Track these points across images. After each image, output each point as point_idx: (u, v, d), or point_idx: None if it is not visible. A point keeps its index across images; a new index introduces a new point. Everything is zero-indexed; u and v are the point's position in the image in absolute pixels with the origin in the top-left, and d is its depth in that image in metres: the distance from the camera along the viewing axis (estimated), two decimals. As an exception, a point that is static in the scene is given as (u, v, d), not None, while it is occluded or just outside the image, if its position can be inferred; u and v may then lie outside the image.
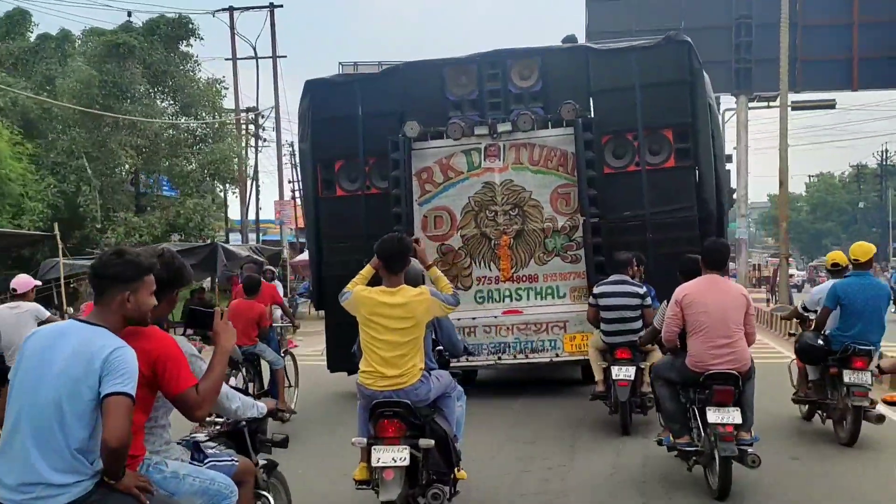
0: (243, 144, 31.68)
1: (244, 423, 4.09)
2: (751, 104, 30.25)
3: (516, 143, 10.09)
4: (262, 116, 32.86)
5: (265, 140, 35.77)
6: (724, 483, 5.79)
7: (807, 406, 8.34)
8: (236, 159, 28.82)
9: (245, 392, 5.30)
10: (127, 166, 26.61)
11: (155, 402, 3.38)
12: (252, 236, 34.39)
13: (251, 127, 33.32)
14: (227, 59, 31.53)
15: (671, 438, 6.33)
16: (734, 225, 32.61)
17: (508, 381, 11.72)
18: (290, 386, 9.86)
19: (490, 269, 10.22)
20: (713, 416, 5.82)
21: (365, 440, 5.10)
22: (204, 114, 28.59)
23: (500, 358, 10.09)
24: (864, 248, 7.72)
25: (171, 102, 28.62)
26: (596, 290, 8.33)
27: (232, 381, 9.07)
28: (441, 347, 5.85)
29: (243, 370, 9.25)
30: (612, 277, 8.32)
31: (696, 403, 6.16)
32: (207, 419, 4.07)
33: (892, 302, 7.98)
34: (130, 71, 25.49)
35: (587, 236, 9.79)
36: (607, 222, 9.89)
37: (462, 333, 10.09)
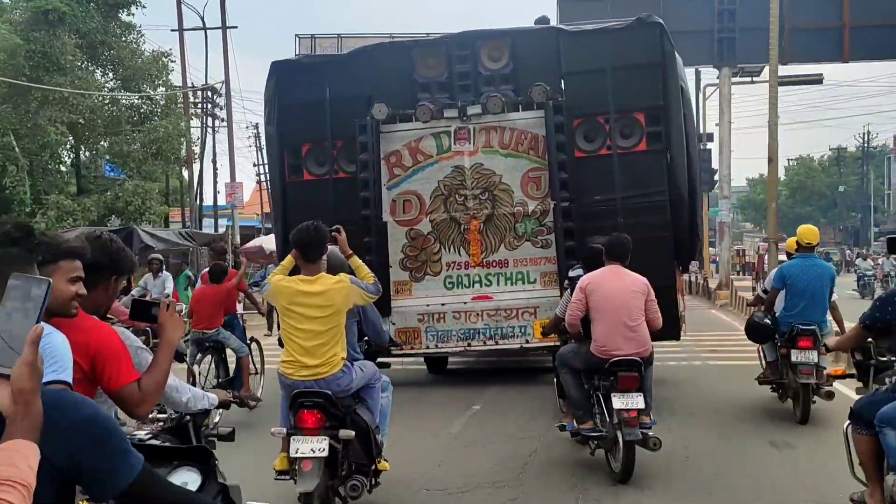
0: (195, 123, 30.85)
1: (189, 417, 3.91)
2: (733, 79, 28.51)
3: (486, 125, 10.24)
4: (218, 94, 31.84)
5: (223, 120, 34.45)
6: (628, 466, 6.19)
7: (770, 386, 8.88)
8: (182, 138, 27.47)
9: (220, 377, 5.25)
10: (65, 146, 25.22)
11: (95, 398, 3.23)
12: (210, 222, 33.09)
13: (207, 105, 32.48)
14: (172, 30, 30.09)
15: (574, 424, 6.65)
16: (715, 210, 31.85)
17: (480, 370, 11.68)
18: (255, 373, 9.85)
19: (460, 255, 10.39)
20: (618, 401, 6.17)
21: (285, 430, 5.15)
22: (148, 89, 27.07)
23: (469, 344, 10.15)
24: (812, 232, 8.45)
25: (112, 77, 27.03)
26: (571, 273, 8.46)
27: (196, 368, 8.98)
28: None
29: (211, 357, 9.17)
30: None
31: (601, 390, 6.51)
32: (150, 415, 3.82)
33: (833, 283, 8.57)
34: (62, 40, 23.55)
35: (558, 221, 9.98)
36: (578, 207, 10.05)
37: (431, 319, 10.13)
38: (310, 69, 10.98)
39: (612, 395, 6.25)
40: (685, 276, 29.45)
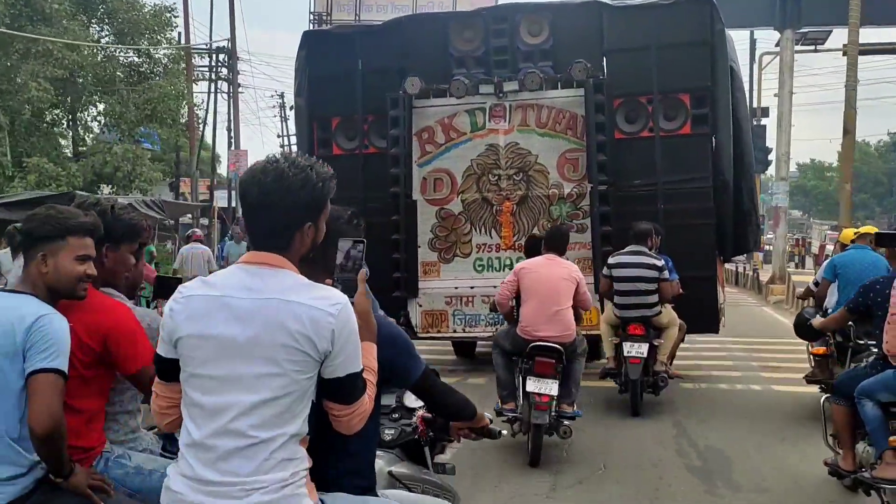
0: (202, 88, 30.08)
1: None
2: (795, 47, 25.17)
3: (523, 103, 10.29)
4: (232, 57, 30.74)
5: (239, 85, 33.52)
6: (534, 451, 6.63)
7: (819, 386, 8.50)
8: (183, 100, 26.15)
9: None
10: (56, 105, 23.96)
11: (116, 383, 3.11)
12: (223, 193, 32.00)
13: (218, 68, 31.44)
14: None
15: (500, 404, 7.13)
16: (765, 197, 29.73)
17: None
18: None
19: (491, 237, 10.47)
20: (531, 385, 6.68)
21: None
22: (146, 44, 25.68)
23: (497, 329, 9.86)
24: (865, 228, 8.54)
25: (106, 32, 25.60)
26: (611, 259, 8.57)
27: None
28: None
29: None
30: (629, 248, 8.52)
31: (522, 372, 7.02)
32: None
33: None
34: (46, -14, 22.17)
35: (594, 205, 10.03)
36: (616, 190, 10.10)
37: (460, 303, 10.06)
38: (341, 40, 11.02)
39: (527, 377, 6.74)
40: (734, 266, 28.57)
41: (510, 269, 10.27)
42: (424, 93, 10.30)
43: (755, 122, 26.84)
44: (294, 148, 41.63)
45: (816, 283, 8.50)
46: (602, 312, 9.85)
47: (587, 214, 10.10)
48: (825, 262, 8.83)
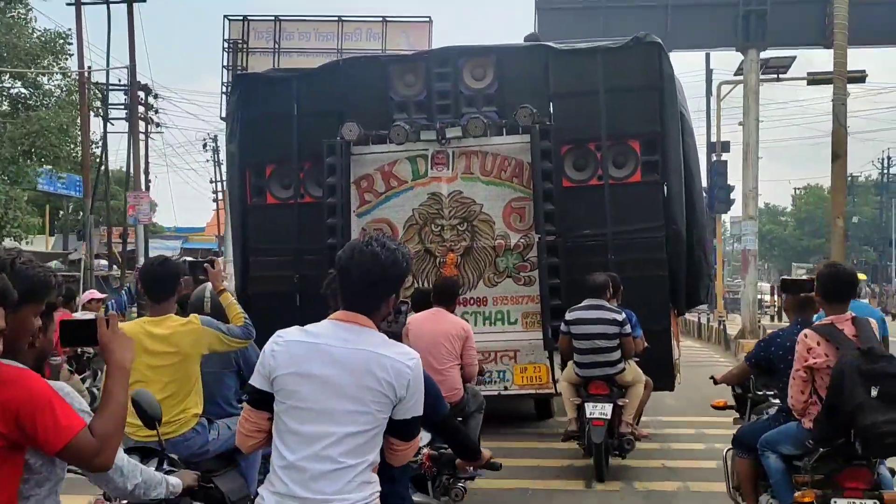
0: (119, 126, 29.72)
1: None
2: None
3: (467, 150, 10.28)
4: (145, 91, 30.63)
5: (157, 125, 33.52)
6: None
7: None
8: (66, 135, 24.20)
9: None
10: None
11: (29, 473, 2.69)
12: (159, 244, 32.11)
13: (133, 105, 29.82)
14: (69, 4, 27.03)
15: None
16: (725, 240, 29.68)
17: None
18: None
19: None
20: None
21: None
22: (39, 76, 24.10)
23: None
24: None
25: None
26: (568, 315, 8.49)
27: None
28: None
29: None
30: (587, 302, 8.43)
31: None
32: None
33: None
34: None
35: (542, 256, 9.97)
36: (565, 241, 10.08)
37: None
38: (276, 83, 11.08)
39: None
40: (695, 317, 27.96)
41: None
42: (363, 139, 10.29)
43: (715, 158, 26.41)
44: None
45: None
46: (552, 370, 9.54)
47: (535, 266, 10.04)
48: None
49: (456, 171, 10.19)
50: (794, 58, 23.63)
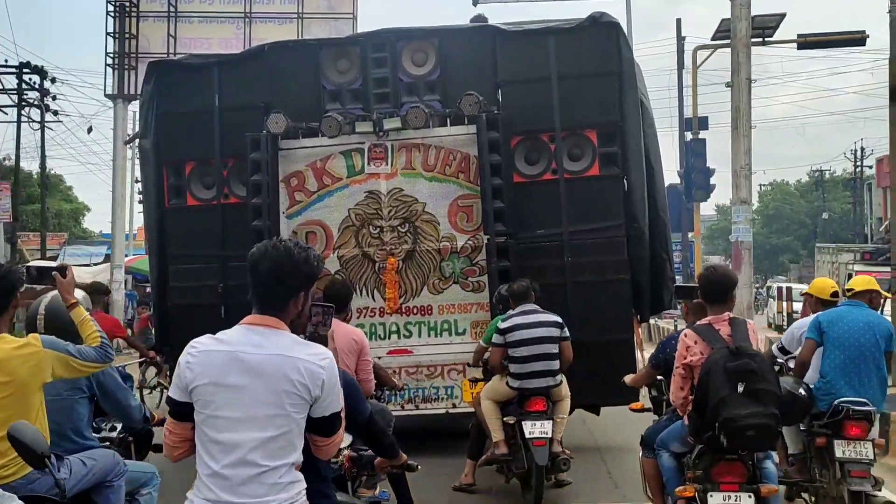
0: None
1: None
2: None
3: (407, 143, 9.72)
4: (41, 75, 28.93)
5: (55, 112, 31.38)
6: None
7: (793, 487, 7.27)
8: None
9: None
10: None
11: None
12: (87, 249, 31.03)
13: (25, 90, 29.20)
14: None
15: None
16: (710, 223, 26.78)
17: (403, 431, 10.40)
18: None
19: (373, 299, 9.76)
20: None
21: None
22: None
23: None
24: (867, 281, 7.11)
25: None
26: (503, 325, 7.75)
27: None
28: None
29: None
30: (521, 308, 7.82)
31: None
32: None
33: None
34: None
35: (492, 259, 9.38)
36: (517, 242, 9.50)
37: (339, 378, 8.91)
38: (196, 71, 10.49)
39: None
40: (672, 324, 27.07)
41: (397, 336, 9.55)
42: (292, 132, 9.68)
43: (691, 136, 24.77)
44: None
45: (782, 349, 7.38)
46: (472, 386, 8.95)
47: (484, 271, 9.47)
48: (805, 320, 7.40)
49: (395, 167, 9.65)
50: (783, 16, 20.41)
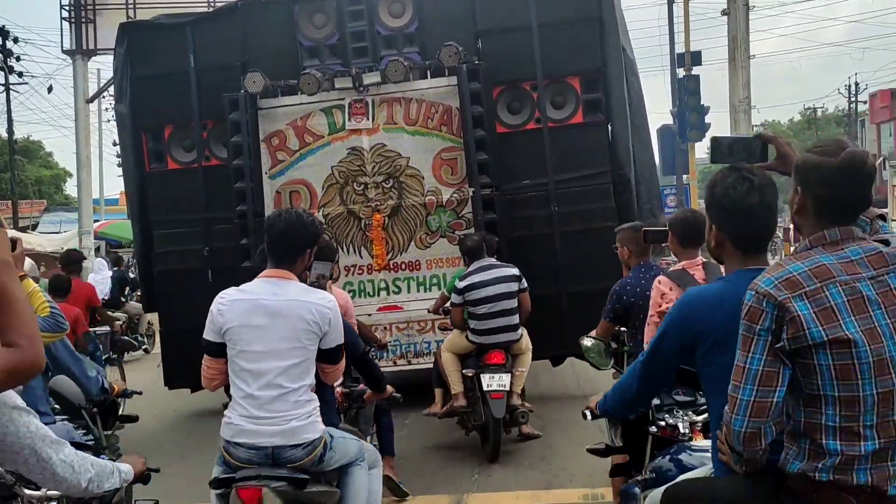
0: None
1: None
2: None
3: (388, 97, 9.68)
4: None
5: (20, 74, 30.71)
6: None
7: None
8: None
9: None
10: None
11: None
12: (56, 217, 30.65)
13: None
14: None
15: None
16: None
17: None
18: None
19: (361, 256, 9.78)
20: None
21: None
22: None
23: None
24: None
25: None
26: (460, 283, 7.89)
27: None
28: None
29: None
30: (477, 264, 7.93)
31: None
32: (37, 493, 3.64)
33: None
34: None
35: (478, 212, 9.36)
36: (503, 194, 9.51)
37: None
38: (169, 32, 10.46)
39: None
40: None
41: (386, 292, 9.58)
42: (270, 91, 9.62)
43: (684, 73, 23.55)
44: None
45: None
46: None
47: (471, 224, 9.43)
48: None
49: (377, 122, 9.58)
50: None
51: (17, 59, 30.82)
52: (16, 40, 30.37)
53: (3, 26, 29.88)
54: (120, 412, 5.51)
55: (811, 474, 2.51)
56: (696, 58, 23.92)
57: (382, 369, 9.38)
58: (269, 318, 3.95)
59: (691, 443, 3.95)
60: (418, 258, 9.60)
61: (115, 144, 41.45)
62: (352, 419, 5.59)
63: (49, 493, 3.62)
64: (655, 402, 4.28)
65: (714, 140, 3.20)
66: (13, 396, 2.71)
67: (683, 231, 5.24)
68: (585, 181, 9.45)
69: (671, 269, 5.47)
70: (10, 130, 31.95)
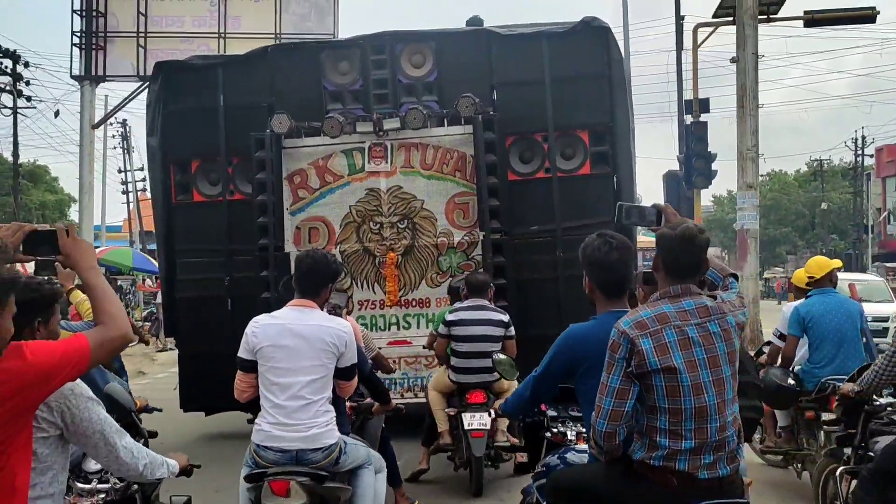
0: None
1: (136, 486, 4.57)
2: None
3: (406, 142, 10.16)
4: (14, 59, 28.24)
5: (29, 98, 30.60)
6: None
7: (781, 457, 8.11)
8: None
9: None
10: None
11: (35, 462, 2.98)
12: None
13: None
14: None
15: None
16: (729, 214, 22.66)
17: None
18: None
19: (374, 292, 10.26)
20: None
21: None
22: None
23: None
24: (824, 262, 7.79)
25: None
26: (450, 316, 8.19)
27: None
28: None
29: None
30: (469, 302, 8.20)
31: None
32: (88, 486, 4.42)
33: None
34: None
35: (488, 255, 9.88)
36: (512, 238, 10.04)
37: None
38: (201, 71, 10.93)
39: None
40: None
41: (397, 327, 10.07)
42: (295, 131, 10.13)
43: (692, 119, 23.14)
44: (140, 184, 39.68)
45: (781, 335, 7.86)
46: None
47: (480, 265, 9.91)
48: (788, 314, 7.86)
49: (395, 165, 10.08)
50: None
51: (27, 83, 31.01)
52: (26, 65, 30.65)
53: (15, 51, 30.17)
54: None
55: (648, 461, 3.56)
56: (704, 105, 23.88)
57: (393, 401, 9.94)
58: (296, 340, 4.71)
59: (576, 446, 4.80)
60: (428, 296, 10.06)
61: (119, 171, 41.83)
62: (357, 430, 6.15)
63: (98, 486, 4.41)
64: (552, 413, 5.22)
65: (618, 205, 4.22)
66: (87, 389, 3.19)
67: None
68: (591, 229, 9.65)
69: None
70: (15, 154, 32.25)
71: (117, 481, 4.46)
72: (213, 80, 10.59)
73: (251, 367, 4.77)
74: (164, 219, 10.90)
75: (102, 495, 4.15)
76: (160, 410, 6.21)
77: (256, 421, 4.80)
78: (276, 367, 4.71)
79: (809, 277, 7.68)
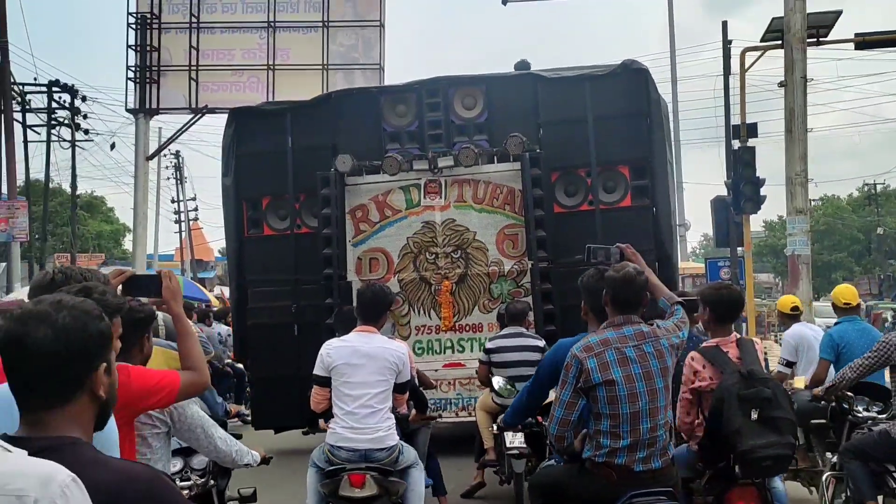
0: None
1: (213, 482, 5.32)
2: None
3: (459, 178, 10.85)
4: (71, 93, 28.45)
5: (87, 132, 30.66)
6: None
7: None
8: None
9: None
10: None
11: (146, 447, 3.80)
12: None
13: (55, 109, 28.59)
14: None
15: None
16: (781, 240, 21.37)
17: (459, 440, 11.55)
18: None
19: (430, 318, 10.98)
20: None
21: None
22: None
23: (440, 416, 10.26)
24: (850, 291, 8.32)
25: None
26: (489, 344, 8.72)
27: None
28: None
29: None
30: (508, 330, 8.70)
31: None
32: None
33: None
34: None
35: (535, 282, 10.55)
36: (558, 266, 10.61)
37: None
38: (270, 117, 11.71)
39: None
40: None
41: (451, 351, 10.83)
42: (356, 170, 10.93)
43: (739, 145, 21.52)
44: (192, 213, 40.71)
45: (789, 364, 8.42)
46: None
47: (529, 292, 10.61)
48: (787, 336, 8.60)
49: (449, 200, 10.84)
50: (838, 13, 18.82)
51: (85, 116, 31.39)
52: (84, 99, 31.00)
53: (73, 85, 30.62)
54: None
55: (594, 458, 4.44)
56: (752, 130, 23.38)
57: (446, 419, 10.72)
58: (363, 359, 5.70)
59: None
60: (481, 321, 10.77)
61: (172, 201, 43.01)
62: (406, 440, 6.76)
63: (180, 483, 4.96)
64: None
65: (586, 247, 5.35)
66: None
67: (719, 308, 5.29)
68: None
69: (703, 344, 5.46)
70: (73, 185, 33.01)
71: (197, 479, 5.11)
72: (281, 124, 11.44)
73: (326, 382, 5.72)
74: (236, 251, 11.74)
75: (185, 492, 4.69)
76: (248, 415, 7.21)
77: (330, 425, 5.76)
78: (348, 381, 5.66)
79: (846, 304, 8.07)
